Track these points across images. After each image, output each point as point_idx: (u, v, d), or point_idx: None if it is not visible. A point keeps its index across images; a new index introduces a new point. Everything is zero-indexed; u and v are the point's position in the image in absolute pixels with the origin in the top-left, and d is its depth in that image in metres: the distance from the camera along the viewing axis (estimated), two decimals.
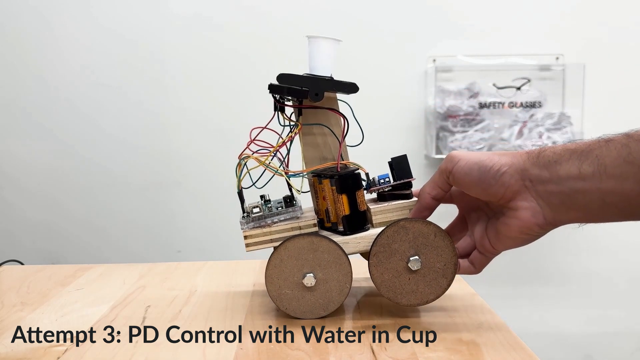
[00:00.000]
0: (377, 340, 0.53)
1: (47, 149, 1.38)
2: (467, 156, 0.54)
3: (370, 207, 0.59)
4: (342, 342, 0.53)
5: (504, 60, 1.35)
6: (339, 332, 0.56)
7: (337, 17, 1.34)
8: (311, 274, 0.56)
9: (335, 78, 0.60)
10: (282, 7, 1.34)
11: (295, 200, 0.60)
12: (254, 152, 0.58)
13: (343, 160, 0.61)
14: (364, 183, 0.60)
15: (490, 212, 0.57)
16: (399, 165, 0.60)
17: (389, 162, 0.61)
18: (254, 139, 0.59)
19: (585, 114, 1.33)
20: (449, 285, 0.57)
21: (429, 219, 0.57)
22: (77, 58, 1.36)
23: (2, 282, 0.75)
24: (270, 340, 0.54)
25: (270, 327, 0.57)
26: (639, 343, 1.43)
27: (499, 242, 0.54)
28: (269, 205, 0.59)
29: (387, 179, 0.61)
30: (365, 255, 0.68)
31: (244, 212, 0.59)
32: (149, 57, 1.35)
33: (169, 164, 1.38)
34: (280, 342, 0.53)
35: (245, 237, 0.58)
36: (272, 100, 0.61)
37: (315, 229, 0.58)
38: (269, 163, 0.58)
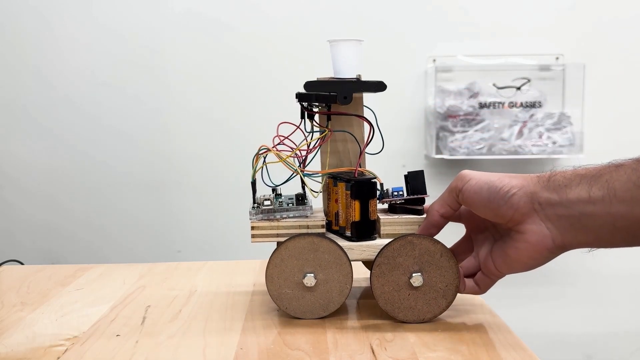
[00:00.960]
0: (377, 340, 0.53)
1: (47, 148, 1.38)
2: (478, 176, 0.54)
3: (380, 217, 0.59)
4: (342, 342, 0.53)
5: (504, 60, 1.35)
6: (339, 332, 0.56)
7: (337, 17, 1.34)
8: (311, 274, 0.56)
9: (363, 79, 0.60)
10: (283, 6, 1.34)
11: (307, 200, 0.60)
12: (274, 146, 0.58)
13: (362, 167, 0.61)
14: (377, 193, 0.60)
15: (497, 234, 0.57)
16: (415, 180, 0.61)
17: (405, 176, 0.61)
18: (287, 137, 0.58)
19: (585, 114, 1.33)
20: (447, 306, 0.57)
21: (436, 236, 0.57)
22: (77, 57, 1.36)
23: (2, 282, 0.75)
24: (270, 340, 0.54)
25: (270, 327, 0.57)
26: (639, 343, 1.43)
27: (505, 265, 0.54)
28: (280, 200, 0.59)
29: (400, 192, 0.61)
30: (368, 264, 0.68)
31: (254, 202, 0.59)
32: (150, 56, 1.35)
33: (169, 164, 1.38)
34: (280, 342, 0.53)
35: (252, 228, 0.58)
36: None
37: (323, 230, 0.58)
38: (296, 164, 0.58)
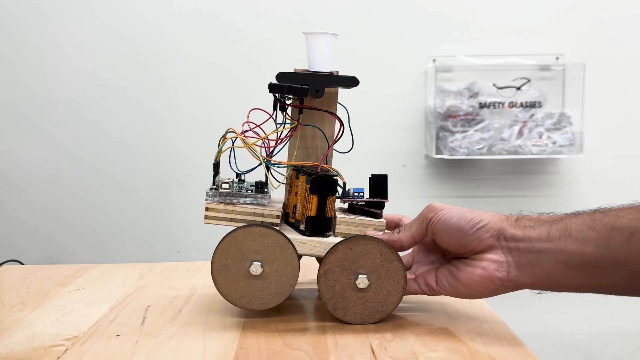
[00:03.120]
0: (377, 340, 0.53)
1: (46, 148, 1.38)
2: (449, 207, 0.56)
3: (337, 215, 0.59)
4: (342, 342, 0.53)
5: (504, 60, 1.35)
6: (339, 332, 0.56)
7: (337, 17, 1.34)
8: (258, 263, 0.56)
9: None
10: (284, 6, 1.34)
11: (267, 189, 0.60)
12: (243, 132, 0.58)
13: (327, 163, 0.61)
14: (339, 191, 0.60)
15: (449, 257, 0.58)
16: (378, 184, 0.61)
17: (369, 178, 0.61)
18: (258, 125, 0.58)
19: (585, 114, 1.33)
20: (393, 308, 0.57)
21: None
22: (77, 58, 1.35)
23: (2, 282, 0.75)
24: (270, 340, 0.54)
25: (270, 327, 0.57)
26: (639, 343, 1.43)
27: (451, 287, 0.55)
28: (241, 186, 0.59)
29: (361, 194, 0.61)
30: (319, 260, 0.68)
31: (213, 184, 0.59)
32: (150, 57, 1.35)
33: (169, 164, 1.38)
34: (280, 342, 0.53)
35: (207, 209, 0.58)
36: (272, 101, 0.61)
37: (277, 220, 0.58)
38: (257, 151, 0.57)
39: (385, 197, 0.60)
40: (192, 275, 0.77)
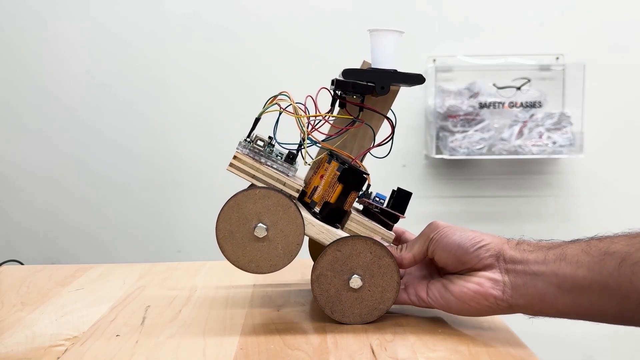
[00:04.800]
0: (377, 340, 0.53)
1: (46, 148, 1.38)
2: (451, 225, 0.57)
3: (352, 212, 0.59)
4: (342, 342, 0.53)
5: (504, 60, 1.35)
6: (339, 332, 0.56)
7: (337, 17, 1.34)
8: (264, 226, 0.55)
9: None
10: (282, 8, 1.34)
11: (296, 162, 0.60)
12: (296, 102, 0.57)
13: (361, 162, 0.61)
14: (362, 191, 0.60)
15: (444, 273, 0.58)
16: (400, 198, 0.61)
17: (394, 190, 0.62)
18: (324, 115, 0.58)
19: (585, 114, 1.33)
20: (391, 304, 0.57)
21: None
22: (75, 60, 1.36)
23: (2, 282, 0.75)
24: (270, 340, 0.54)
25: (270, 327, 0.57)
26: (639, 343, 1.43)
27: (443, 300, 0.55)
28: (271, 149, 0.59)
29: (382, 200, 0.61)
30: (315, 250, 0.68)
31: (248, 137, 0.59)
32: (148, 58, 1.35)
33: (168, 164, 1.38)
34: (280, 342, 0.53)
35: (234, 158, 0.57)
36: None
37: (296, 194, 0.57)
38: (305, 126, 0.57)
39: (403, 212, 0.60)
40: (192, 275, 0.77)
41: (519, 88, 1.33)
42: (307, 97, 0.58)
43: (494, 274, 0.53)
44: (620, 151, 1.38)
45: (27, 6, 1.34)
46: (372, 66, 0.59)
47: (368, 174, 0.59)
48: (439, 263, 0.56)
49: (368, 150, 0.61)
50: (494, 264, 0.53)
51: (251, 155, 0.57)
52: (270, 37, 1.34)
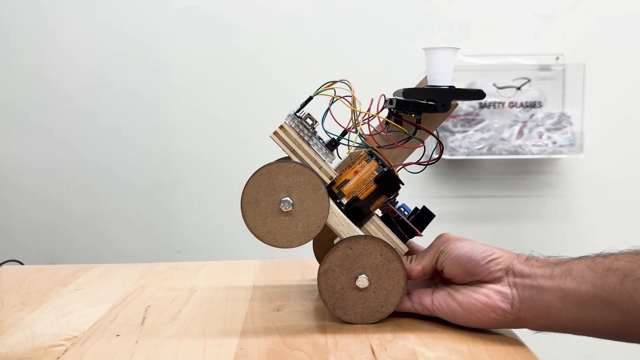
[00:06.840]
0: (377, 340, 0.53)
1: (46, 148, 1.38)
2: (462, 239, 0.57)
3: (374, 215, 0.60)
4: (342, 342, 0.53)
5: (504, 60, 1.35)
6: (339, 332, 0.56)
7: (337, 17, 1.34)
8: (288, 199, 0.56)
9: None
10: (284, 5, 1.34)
11: (336, 151, 0.60)
12: (355, 99, 0.58)
13: (397, 170, 0.62)
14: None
15: (451, 283, 0.58)
16: (423, 217, 0.61)
17: (419, 207, 0.62)
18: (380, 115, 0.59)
19: (585, 114, 1.33)
20: (393, 308, 0.57)
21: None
22: (77, 56, 1.36)
23: (2, 282, 0.75)
24: (270, 340, 0.54)
25: (270, 327, 0.57)
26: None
27: (449, 310, 0.55)
28: (314, 132, 0.59)
29: (406, 212, 0.62)
30: (321, 248, 0.68)
31: (298, 111, 0.59)
32: (150, 55, 1.35)
33: (169, 164, 1.38)
34: (280, 342, 0.53)
35: (281, 127, 0.57)
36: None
37: (328, 181, 0.58)
38: (356, 119, 0.57)
39: (421, 230, 0.61)
40: (192, 275, 0.77)
41: (519, 88, 1.33)
42: (371, 99, 0.58)
43: (503, 287, 0.53)
44: (620, 151, 1.38)
45: (28, 2, 1.34)
46: (429, 84, 0.60)
47: (403, 184, 0.60)
48: (447, 275, 0.57)
49: (409, 163, 0.62)
50: (503, 277, 0.54)
51: (297, 130, 0.57)
52: (274, 34, 1.34)
